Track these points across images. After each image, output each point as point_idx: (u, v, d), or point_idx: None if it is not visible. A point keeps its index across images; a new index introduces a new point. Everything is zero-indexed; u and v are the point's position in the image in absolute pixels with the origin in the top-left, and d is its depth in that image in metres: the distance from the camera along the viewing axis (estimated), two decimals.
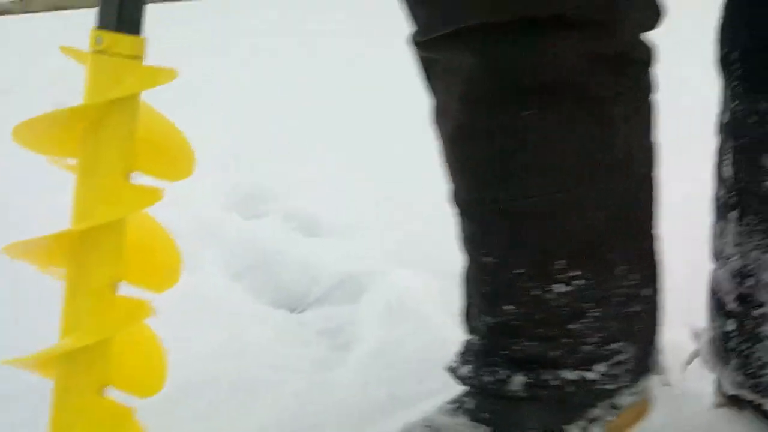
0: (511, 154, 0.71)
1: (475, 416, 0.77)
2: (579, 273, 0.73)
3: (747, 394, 0.82)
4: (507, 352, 0.77)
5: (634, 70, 0.74)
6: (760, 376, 0.80)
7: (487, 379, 0.77)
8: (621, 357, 0.77)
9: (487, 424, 0.76)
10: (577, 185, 0.71)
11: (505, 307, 0.76)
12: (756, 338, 0.79)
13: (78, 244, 0.67)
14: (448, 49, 0.71)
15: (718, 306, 0.83)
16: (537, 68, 0.68)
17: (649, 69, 0.76)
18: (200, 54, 3.53)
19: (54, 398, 0.68)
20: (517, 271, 0.74)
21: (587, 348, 0.76)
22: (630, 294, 0.76)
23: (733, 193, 0.77)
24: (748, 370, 0.81)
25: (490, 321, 0.78)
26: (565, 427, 0.77)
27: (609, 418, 0.79)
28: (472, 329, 0.82)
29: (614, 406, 0.79)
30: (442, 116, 0.76)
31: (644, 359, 0.80)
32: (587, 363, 0.76)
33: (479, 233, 0.77)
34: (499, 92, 0.70)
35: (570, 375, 0.76)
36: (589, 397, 0.77)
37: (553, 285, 0.74)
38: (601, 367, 0.76)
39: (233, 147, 2.11)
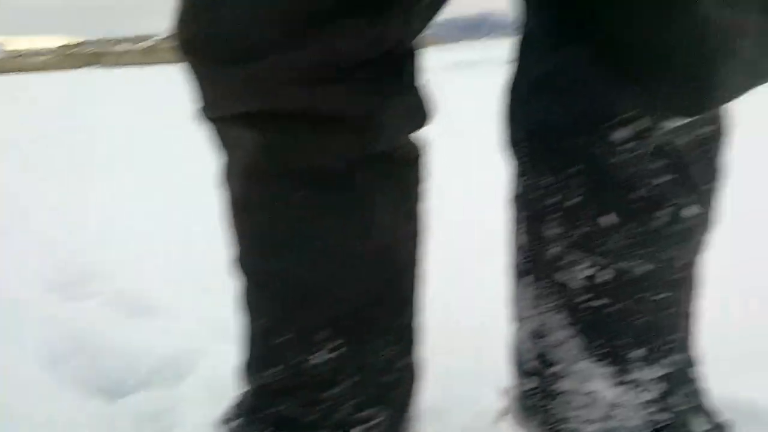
0: (283, 228, 0.77)
1: None
2: (341, 342, 0.79)
3: None
4: (270, 411, 0.81)
5: (398, 168, 0.81)
6: (558, 431, 0.84)
7: None
8: (375, 421, 0.82)
9: None
10: (342, 263, 0.77)
11: (273, 370, 0.80)
12: (552, 395, 0.83)
13: None
14: (232, 126, 0.76)
15: (520, 364, 0.87)
16: (309, 156, 0.74)
17: (415, 166, 0.84)
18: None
19: None
20: (285, 337, 0.79)
21: (344, 412, 0.81)
22: (388, 363, 0.83)
23: (527, 259, 0.82)
24: (548, 425, 0.84)
25: (258, 381, 0.82)
26: None
27: None
28: (247, 384, 0.85)
29: None
30: (227, 183, 0.80)
31: (398, 425, 0.86)
32: (343, 427, 0.81)
33: (254, 298, 0.81)
34: (275, 172, 0.75)
35: None
36: None
37: (317, 353, 0.79)
38: (355, 431, 0.81)
39: (57, 228, 2.03)
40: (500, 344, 0.93)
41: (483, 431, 1.02)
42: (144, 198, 2.48)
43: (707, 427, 0.82)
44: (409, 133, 0.82)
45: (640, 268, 0.76)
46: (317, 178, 0.76)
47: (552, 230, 0.78)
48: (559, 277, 0.79)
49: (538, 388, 0.85)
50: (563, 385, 0.82)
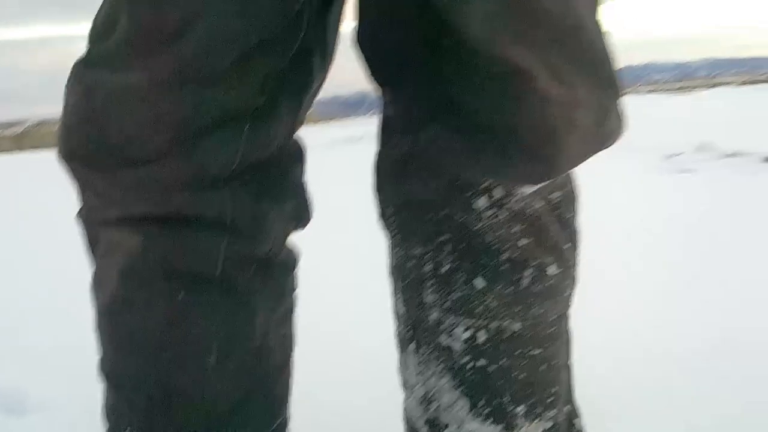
0: (161, 329, 0.78)
1: None
2: None
3: None
4: None
5: (278, 272, 0.85)
6: None
7: None
8: None
9: None
10: (217, 364, 0.79)
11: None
12: None
13: None
14: (115, 228, 0.78)
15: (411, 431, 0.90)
16: (190, 257, 0.77)
17: (292, 273, 0.88)
18: None
19: None
20: None
21: None
22: None
23: (408, 327, 0.86)
24: None
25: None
26: None
27: None
28: None
29: None
30: (100, 287, 0.80)
31: None
32: None
33: (124, 405, 0.80)
34: (157, 274, 0.77)
35: None
36: None
37: None
38: None
39: None
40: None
41: None
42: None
43: None
44: (292, 232, 0.86)
45: (513, 326, 0.81)
46: (199, 281, 0.78)
47: (428, 297, 0.83)
48: (441, 341, 0.83)
49: None
50: None
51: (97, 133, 0.74)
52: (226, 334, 0.80)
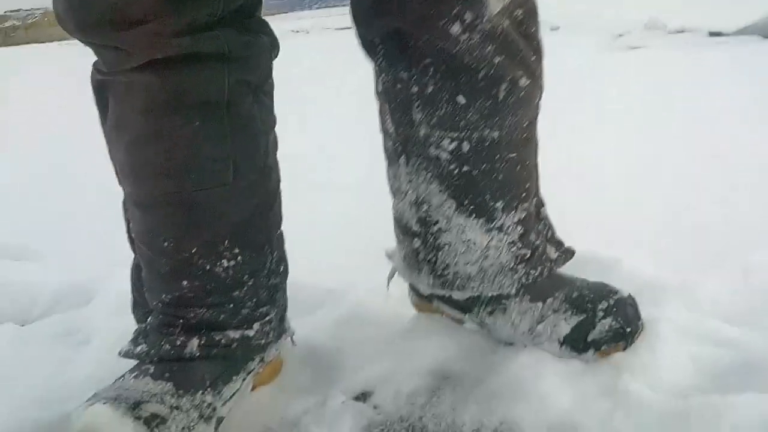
0: (185, 154, 0.88)
1: (157, 377, 0.88)
2: (238, 251, 0.93)
3: (439, 291, 1.03)
4: (183, 320, 0.92)
5: (268, 99, 0.96)
6: (445, 275, 1.01)
7: (166, 347, 0.91)
8: (268, 318, 0.97)
9: (168, 381, 0.88)
10: (234, 181, 0.91)
11: (182, 282, 0.91)
12: (438, 248, 1.00)
13: None
14: (132, 74, 0.87)
15: (404, 230, 1.03)
16: (201, 87, 0.88)
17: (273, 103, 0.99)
18: None
19: None
20: (192, 251, 0.90)
21: (245, 311, 0.94)
22: (272, 269, 0.97)
23: (398, 143, 0.98)
24: (436, 272, 1.01)
25: (167, 297, 0.92)
26: (233, 377, 0.93)
27: (258, 371, 0.98)
28: (142, 315, 0.97)
29: (262, 360, 0.98)
30: (121, 128, 0.89)
31: (282, 322, 1.01)
32: (246, 323, 0.94)
33: (158, 222, 0.91)
34: (172, 105, 0.87)
35: (234, 334, 0.93)
36: (248, 352, 0.95)
37: (220, 261, 0.92)
38: (256, 326, 0.95)
39: None
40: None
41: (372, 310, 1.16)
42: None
43: (558, 253, 1.03)
44: (271, 61, 0.96)
45: (493, 134, 0.93)
46: (210, 108, 0.88)
47: (416, 115, 0.94)
48: (430, 152, 0.95)
49: (422, 245, 1.01)
50: (445, 238, 0.99)
51: (98, 4, 0.83)
52: (237, 155, 0.90)
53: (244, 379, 0.95)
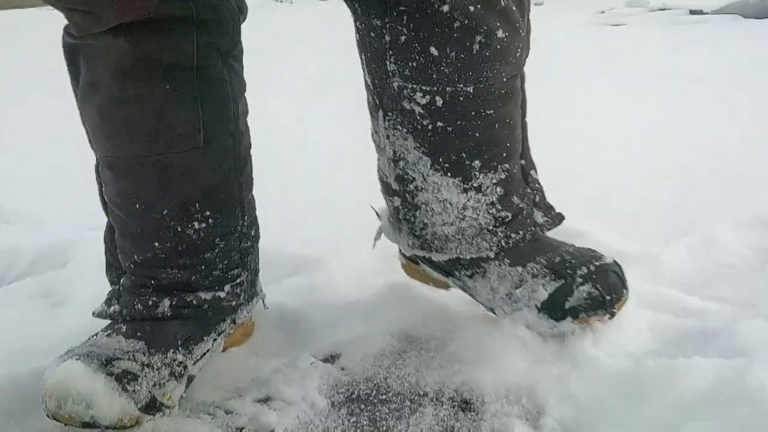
0: (156, 117, 0.89)
1: (129, 335, 0.90)
2: (209, 213, 0.94)
3: (419, 252, 1.02)
4: (154, 281, 0.94)
5: (238, 64, 0.97)
6: (424, 235, 1.00)
7: (138, 307, 0.93)
8: (239, 280, 0.98)
9: (140, 339, 0.90)
10: (204, 145, 0.92)
11: (154, 244, 0.93)
12: (415, 206, 0.99)
13: None
14: (103, 38, 0.87)
15: (386, 188, 1.02)
16: (170, 51, 0.88)
17: (243, 70, 0.99)
18: None
19: None
20: (163, 213, 0.92)
21: (217, 273, 0.96)
22: (243, 232, 0.99)
23: (375, 96, 0.97)
24: (415, 232, 1.00)
25: (139, 258, 0.94)
26: (204, 337, 0.95)
27: (230, 332, 1.00)
28: (116, 277, 0.99)
29: (233, 321, 1.00)
30: (92, 91, 0.90)
31: (253, 285, 1.02)
32: (218, 284, 0.96)
33: (130, 184, 0.92)
34: (142, 69, 0.88)
35: (205, 295, 0.95)
36: (219, 312, 0.97)
37: (191, 223, 0.93)
38: (227, 288, 0.96)
39: None
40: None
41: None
42: None
43: (546, 218, 1.00)
44: (239, 23, 0.96)
45: (467, 89, 0.89)
46: (179, 72, 0.89)
47: (390, 66, 0.92)
48: (404, 106, 0.92)
49: (402, 204, 1.00)
50: (421, 197, 0.97)
51: None
52: (208, 118, 0.91)
53: (215, 340, 0.97)
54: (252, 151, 1.01)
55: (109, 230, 0.99)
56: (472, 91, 0.90)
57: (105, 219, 0.99)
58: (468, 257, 0.98)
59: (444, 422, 0.82)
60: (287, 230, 1.30)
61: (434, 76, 0.89)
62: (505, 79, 0.92)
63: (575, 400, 0.84)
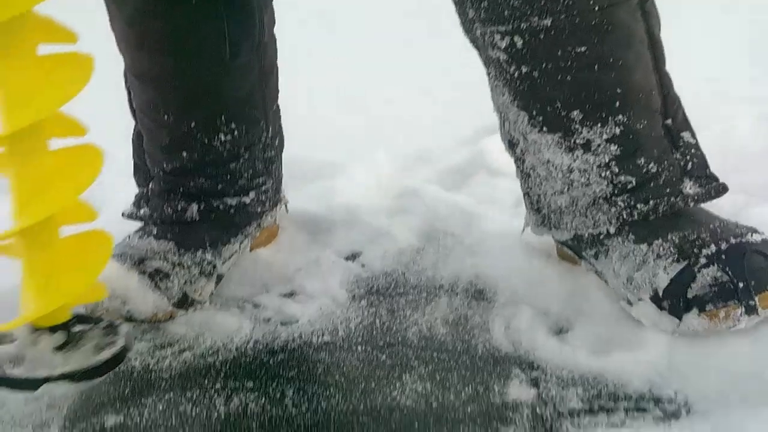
0: (181, 32, 0.92)
1: (160, 237, 0.95)
2: (234, 126, 0.97)
3: (543, 231, 0.89)
4: (183, 188, 0.98)
5: None
6: (541, 210, 0.88)
7: (168, 211, 0.97)
8: (264, 188, 1.03)
9: (170, 241, 0.95)
10: (230, 59, 0.94)
11: (182, 154, 0.97)
12: (527, 175, 0.88)
13: None
14: None
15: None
16: None
17: None
18: None
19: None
20: (191, 126, 0.95)
21: (242, 181, 1.00)
22: (267, 143, 1.02)
23: (479, 54, 0.86)
24: (534, 206, 0.89)
25: (167, 167, 0.98)
26: (231, 239, 1.00)
27: (256, 234, 1.05)
28: (143, 179, 1.02)
29: (259, 225, 1.04)
30: (119, 2, 0.92)
31: (277, 192, 1.07)
32: (243, 192, 1.00)
33: (159, 97, 0.95)
34: None
35: (231, 201, 1.00)
36: (245, 217, 1.01)
37: (218, 135, 0.97)
38: (252, 194, 1.01)
39: None
40: None
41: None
42: None
43: (699, 189, 0.81)
44: None
45: (544, 21, 0.76)
46: None
47: (471, 14, 0.82)
48: (491, 54, 0.82)
49: (518, 175, 0.90)
50: (528, 161, 0.86)
51: None
52: (233, 34, 0.92)
53: (241, 242, 1.02)
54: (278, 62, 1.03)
55: (137, 135, 1.02)
56: (549, 24, 0.76)
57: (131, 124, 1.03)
58: (586, 233, 0.84)
59: (458, 311, 0.87)
60: (309, 137, 1.32)
61: (506, 12, 0.77)
62: (596, 8, 0.76)
63: (581, 297, 0.87)
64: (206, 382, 0.78)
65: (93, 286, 0.76)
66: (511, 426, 0.65)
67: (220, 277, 0.98)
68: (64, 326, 0.74)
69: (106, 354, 0.73)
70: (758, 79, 1.53)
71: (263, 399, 0.74)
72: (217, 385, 0.77)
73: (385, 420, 0.68)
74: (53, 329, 0.73)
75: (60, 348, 0.73)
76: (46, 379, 0.70)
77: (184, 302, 0.91)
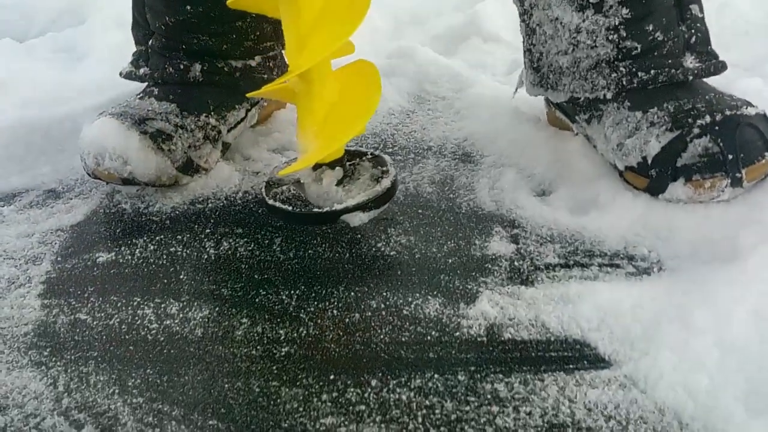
0: None
1: (161, 98, 0.92)
2: None
3: (538, 91, 0.90)
4: (185, 45, 0.94)
5: None
6: (540, 68, 0.88)
7: (170, 70, 0.93)
8: (272, 53, 0.99)
9: (172, 102, 0.91)
10: None
11: (186, 7, 0.92)
12: (533, 31, 0.87)
13: None
14: None
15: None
16: None
17: None
18: None
19: None
20: None
21: (248, 43, 0.96)
22: None
23: None
24: (533, 65, 0.89)
25: (170, 21, 0.93)
26: (236, 105, 0.96)
27: (264, 104, 1.02)
28: (142, 36, 0.97)
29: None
30: None
31: (284, 62, 1.02)
32: (249, 55, 0.97)
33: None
34: None
35: (236, 63, 0.96)
36: (251, 83, 0.95)
37: None
38: (258, 59, 0.97)
39: None
40: None
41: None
42: None
43: (699, 64, 0.81)
44: None
45: None
46: None
47: None
48: None
49: (522, 30, 0.90)
50: (535, 16, 0.85)
51: None
52: None
53: (248, 110, 0.98)
54: None
55: None
56: None
57: None
58: (583, 97, 0.84)
59: (445, 171, 0.89)
60: None
61: None
62: None
63: (566, 161, 0.88)
64: (196, 227, 0.80)
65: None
66: (489, 276, 0.68)
67: (226, 146, 0.95)
68: (339, 161, 0.76)
69: (386, 182, 0.75)
70: None
71: (252, 244, 0.76)
72: (207, 230, 0.79)
73: (369, 267, 0.71)
74: (331, 165, 0.75)
75: (340, 182, 0.75)
76: (344, 211, 0.72)
77: (189, 168, 0.88)
